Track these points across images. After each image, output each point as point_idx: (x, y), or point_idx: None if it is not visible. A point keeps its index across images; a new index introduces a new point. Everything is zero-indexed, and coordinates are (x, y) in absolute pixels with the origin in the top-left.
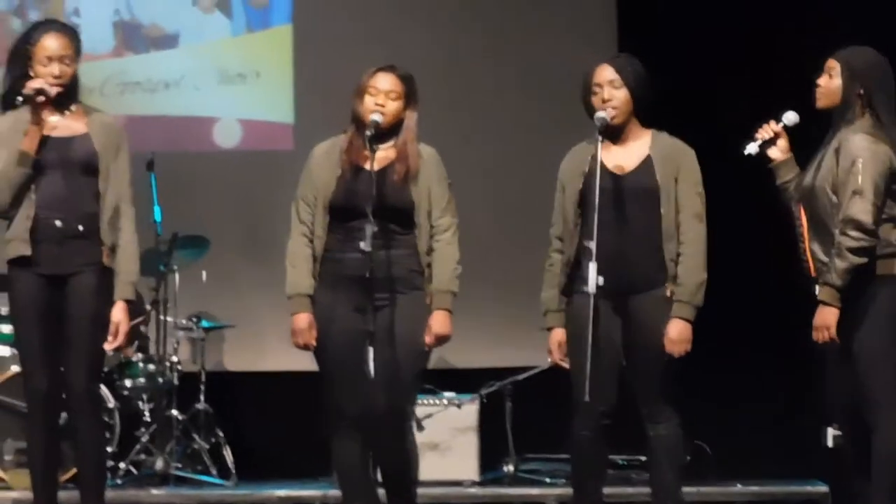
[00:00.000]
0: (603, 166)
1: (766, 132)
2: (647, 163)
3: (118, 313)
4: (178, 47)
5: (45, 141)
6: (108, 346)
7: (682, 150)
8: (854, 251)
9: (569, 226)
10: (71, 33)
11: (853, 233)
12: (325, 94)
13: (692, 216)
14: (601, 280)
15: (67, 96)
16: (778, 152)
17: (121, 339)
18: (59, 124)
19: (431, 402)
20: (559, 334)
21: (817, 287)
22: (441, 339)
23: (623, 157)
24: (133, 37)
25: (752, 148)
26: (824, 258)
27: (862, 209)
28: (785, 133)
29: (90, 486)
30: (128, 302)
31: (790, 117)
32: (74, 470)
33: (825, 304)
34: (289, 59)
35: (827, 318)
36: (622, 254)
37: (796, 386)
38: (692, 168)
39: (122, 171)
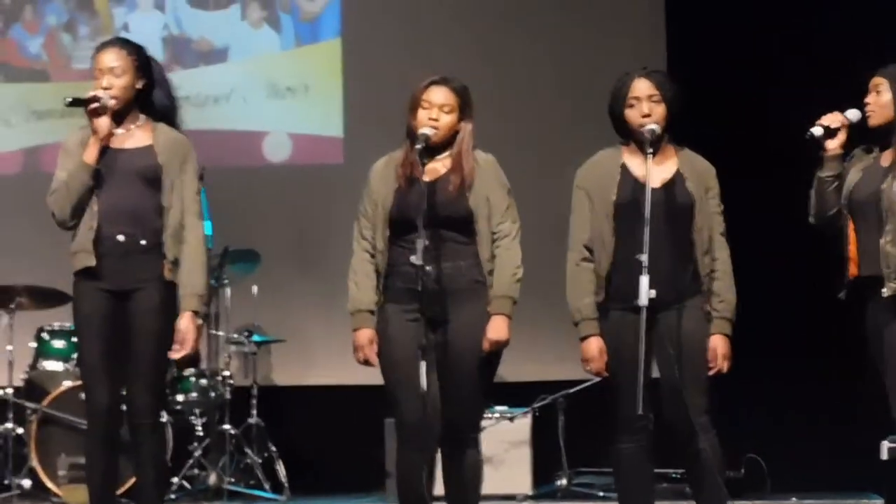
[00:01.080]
0: (638, 179)
1: (832, 121)
2: (678, 177)
3: (185, 322)
4: (227, 62)
5: (108, 153)
6: (175, 355)
7: (707, 168)
8: None
9: (602, 237)
10: (124, 46)
11: None
12: (375, 108)
13: (720, 234)
14: (654, 293)
15: (130, 109)
16: (834, 144)
17: (189, 348)
18: (123, 137)
19: (484, 415)
20: (598, 342)
21: (886, 287)
22: (498, 345)
23: (657, 171)
24: (182, 51)
25: (817, 131)
26: None
27: None
28: (847, 129)
29: (150, 500)
30: (195, 314)
31: (853, 114)
32: (130, 482)
33: None
34: (338, 73)
35: None
36: (665, 267)
37: (851, 397)
38: (716, 186)
39: (187, 185)
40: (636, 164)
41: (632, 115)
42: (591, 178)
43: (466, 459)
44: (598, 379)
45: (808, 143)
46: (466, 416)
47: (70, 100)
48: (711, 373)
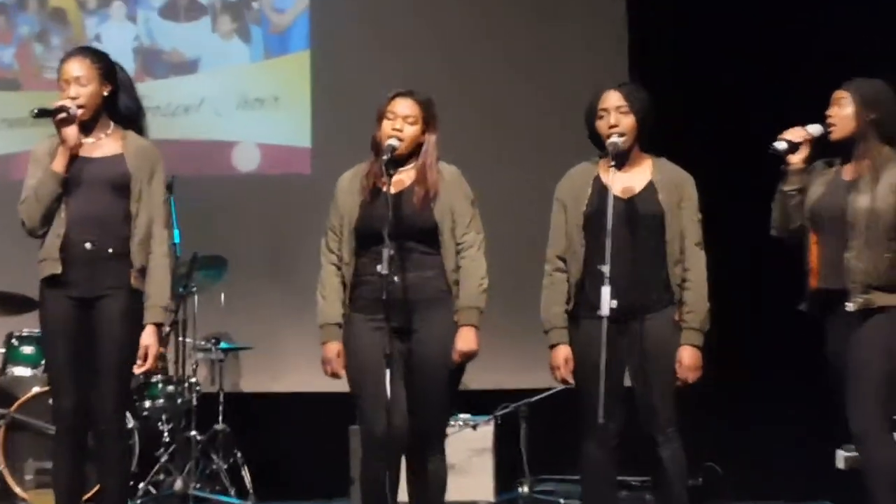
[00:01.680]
0: (605, 190)
1: (795, 135)
2: (650, 188)
3: (148, 337)
4: (197, 73)
5: (77, 161)
6: (138, 370)
7: (684, 178)
8: None
9: (573, 247)
10: (87, 55)
11: None
12: (343, 119)
13: (694, 244)
14: (615, 303)
15: (98, 117)
16: (798, 159)
17: (150, 363)
18: (93, 145)
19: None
20: (565, 351)
21: (850, 302)
22: (467, 356)
23: (627, 181)
24: (153, 62)
25: (780, 145)
26: (869, 279)
27: None
28: (810, 143)
29: None
30: (157, 326)
31: (815, 128)
32: (96, 489)
33: None
34: (307, 85)
35: None
36: (630, 277)
37: (809, 407)
38: (693, 195)
39: (155, 193)
40: (613, 176)
41: (601, 126)
42: (567, 190)
43: (432, 466)
44: (560, 388)
45: (772, 157)
46: (433, 424)
47: (37, 110)
48: (679, 384)
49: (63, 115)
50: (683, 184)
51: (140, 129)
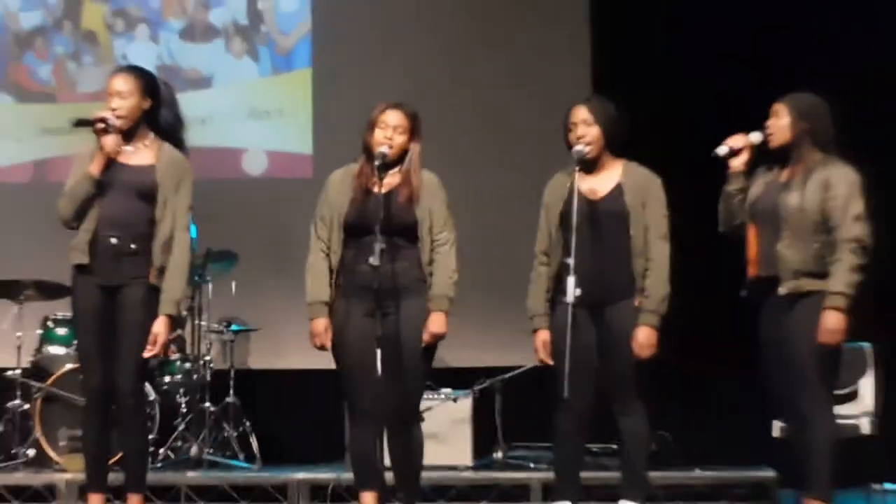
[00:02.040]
0: (580, 193)
1: (736, 142)
2: (618, 189)
3: (159, 325)
4: (212, 87)
5: (113, 166)
6: (147, 354)
7: (650, 178)
8: (863, 268)
9: (553, 244)
10: (132, 72)
11: (862, 252)
12: (341, 129)
13: (658, 237)
14: (579, 291)
15: (138, 127)
16: (738, 162)
17: (158, 349)
18: (131, 154)
19: (430, 396)
20: (544, 335)
21: (782, 287)
22: (437, 337)
23: (597, 184)
24: (173, 78)
25: (722, 150)
26: (800, 266)
27: (867, 233)
28: (751, 149)
29: (134, 469)
30: (169, 317)
31: (756, 136)
32: (120, 454)
33: (838, 310)
34: (309, 98)
35: (841, 323)
36: (597, 269)
37: (750, 382)
38: (659, 194)
39: (181, 202)
40: (584, 181)
41: (570, 137)
42: (549, 194)
43: (410, 434)
44: (531, 365)
45: (716, 160)
46: (410, 397)
47: (75, 120)
48: (636, 360)
49: (102, 125)
50: (650, 184)
51: (178, 141)
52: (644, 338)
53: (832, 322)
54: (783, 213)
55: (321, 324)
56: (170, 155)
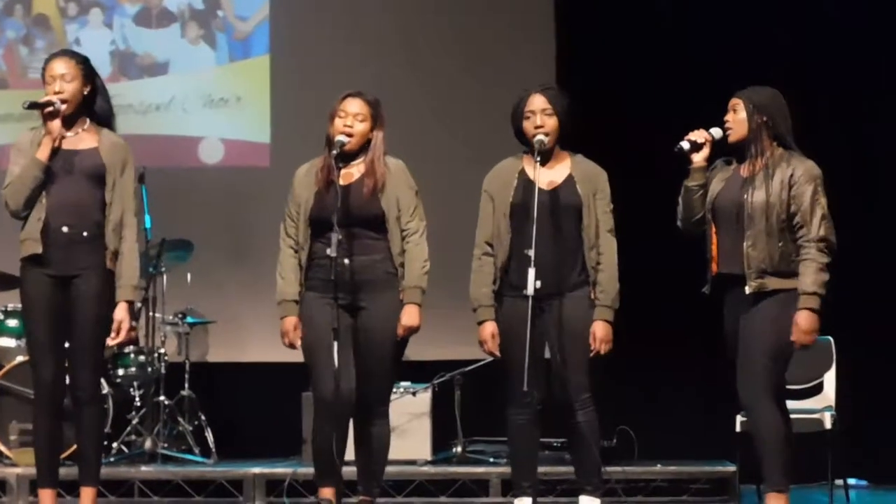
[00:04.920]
0: (532, 183)
1: (698, 136)
2: (570, 181)
3: (121, 312)
4: (167, 74)
5: (57, 152)
6: (112, 342)
7: (598, 172)
8: (828, 266)
9: (500, 233)
10: (73, 56)
11: (828, 251)
12: (299, 117)
13: (606, 231)
14: (539, 283)
15: (77, 114)
16: (699, 158)
17: (123, 335)
18: (72, 139)
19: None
20: (492, 326)
21: (747, 286)
22: (410, 330)
23: (550, 175)
24: (127, 64)
25: (684, 145)
26: (764, 265)
27: (832, 231)
28: (710, 144)
29: (88, 463)
30: (129, 303)
31: (716, 132)
32: (73, 448)
33: (812, 311)
34: (266, 86)
35: (815, 323)
36: (551, 260)
37: (712, 377)
38: (606, 188)
39: (127, 185)
40: (532, 169)
41: (527, 126)
42: (494, 183)
43: (377, 429)
44: (490, 359)
45: (676, 155)
46: (378, 392)
47: (28, 103)
48: (591, 354)
49: (50, 108)
50: (598, 177)
51: (111, 129)
52: (603, 333)
53: (807, 322)
54: (748, 211)
55: (290, 322)
56: (110, 138)
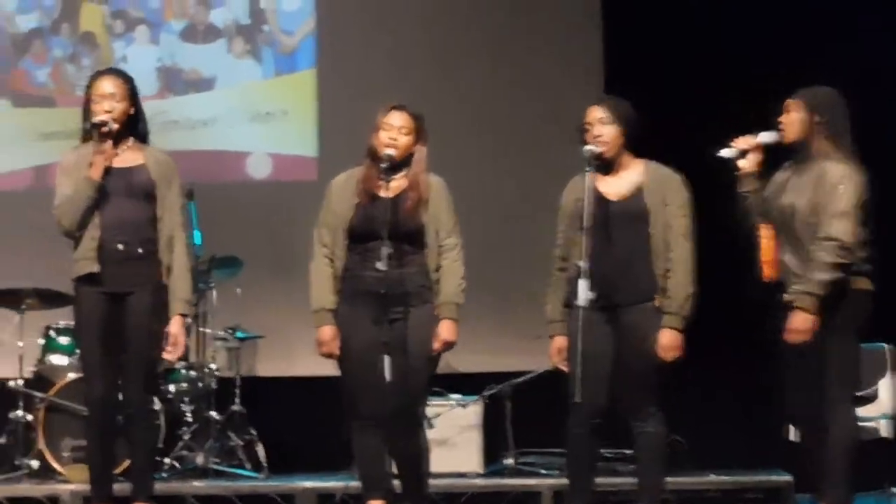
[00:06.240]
0: (597, 194)
1: (742, 143)
2: (638, 189)
3: (176, 326)
4: (214, 90)
5: (107, 171)
6: (169, 356)
7: (671, 177)
8: (836, 267)
9: (570, 247)
10: (119, 75)
11: (837, 250)
12: (345, 130)
13: (679, 235)
14: (592, 295)
15: (123, 132)
16: (747, 164)
17: (180, 350)
18: (120, 157)
19: (440, 402)
20: (560, 341)
21: (785, 293)
22: (447, 345)
23: (616, 185)
24: (174, 80)
25: (726, 152)
26: (797, 270)
27: (844, 230)
28: (760, 149)
29: (141, 479)
30: (183, 317)
31: (766, 136)
32: (126, 463)
33: (804, 310)
34: (313, 99)
35: (806, 324)
36: (614, 271)
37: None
38: (679, 192)
39: (174, 200)
40: (601, 182)
41: (587, 138)
42: (566, 197)
43: (414, 440)
44: (541, 370)
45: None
46: (414, 404)
47: (90, 124)
48: (654, 364)
49: (105, 128)
50: (670, 183)
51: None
52: (668, 340)
53: (798, 322)
54: (781, 216)
55: (327, 332)
56: (155, 155)
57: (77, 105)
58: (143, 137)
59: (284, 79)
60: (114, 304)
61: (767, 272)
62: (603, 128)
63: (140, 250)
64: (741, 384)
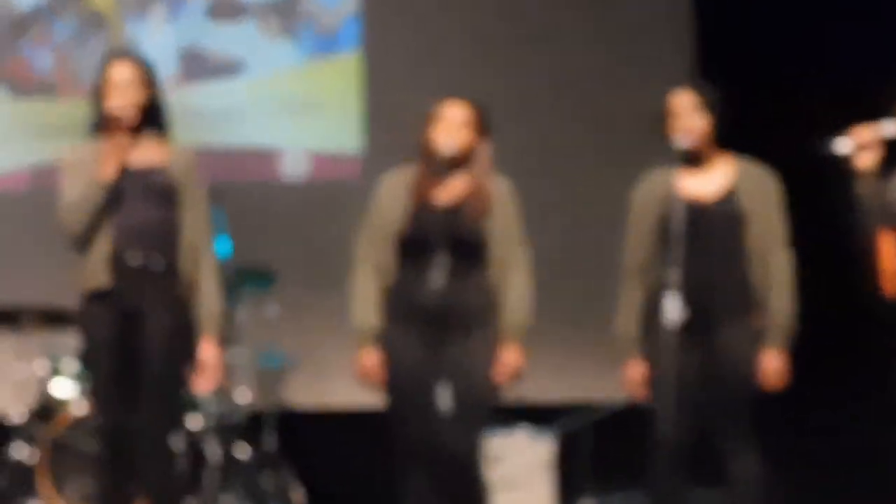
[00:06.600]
0: (685, 194)
1: (864, 134)
2: (732, 190)
3: (208, 350)
4: (242, 75)
5: (122, 170)
6: (201, 387)
7: (768, 178)
8: None
9: (648, 255)
10: (137, 60)
11: None
12: (395, 124)
13: (779, 245)
14: (685, 313)
15: (143, 125)
16: (865, 160)
17: (213, 378)
18: (137, 154)
19: (505, 436)
20: (635, 367)
21: None
22: (514, 372)
23: (704, 184)
24: (195, 65)
25: (843, 146)
26: None
27: None
28: (882, 143)
29: None
30: (213, 338)
31: (889, 127)
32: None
33: None
34: (358, 88)
35: None
36: (706, 284)
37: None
38: (778, 196)
39: (200, 204)
40: (686, 180)
41: (673, 127)
42: (640, 197)
43: (474, 484)
44: (623, 403)
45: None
46: (472, 438)
47: (100, 119)
48: (753, 391)
49: (119, 122)
50: (766, 183)
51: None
52: (774, 363)
53: None
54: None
55: (372, 356)
56: (179, 152)
57: (82, 94)
58: (165, 128)
59: (323, 62)
60: (128, 324)
61: (890, 287)
62: (694, 117)
63: (158, 262)
64: (860, 411)
